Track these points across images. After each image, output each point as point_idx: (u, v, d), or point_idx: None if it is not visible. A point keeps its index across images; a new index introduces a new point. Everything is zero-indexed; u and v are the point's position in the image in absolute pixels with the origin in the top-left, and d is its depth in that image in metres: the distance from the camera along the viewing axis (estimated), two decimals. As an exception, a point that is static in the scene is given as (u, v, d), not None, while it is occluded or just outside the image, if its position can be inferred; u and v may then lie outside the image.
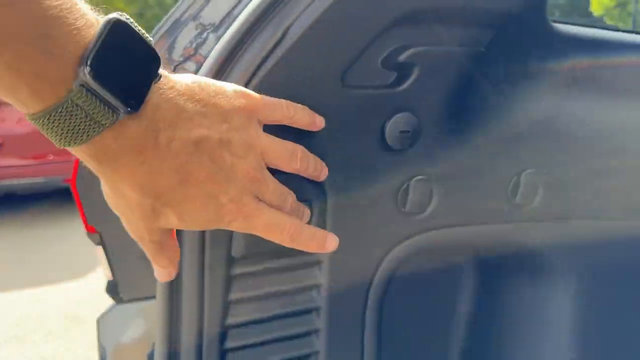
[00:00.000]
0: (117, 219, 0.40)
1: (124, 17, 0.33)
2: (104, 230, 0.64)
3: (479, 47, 0.53)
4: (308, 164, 0.45)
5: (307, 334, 0.54)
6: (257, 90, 0.44)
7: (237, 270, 0.50)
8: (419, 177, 0.54)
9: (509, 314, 0.71)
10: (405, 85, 0.51)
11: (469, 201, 0.57)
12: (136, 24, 0.34)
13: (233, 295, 0.50)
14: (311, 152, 0.47)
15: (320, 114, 0.47)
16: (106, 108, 0.32)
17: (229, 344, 0.51)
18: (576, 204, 0.64)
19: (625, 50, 0.68)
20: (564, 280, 0.66)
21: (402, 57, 0.50)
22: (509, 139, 0.58)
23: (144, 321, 0.70)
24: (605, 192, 0.66)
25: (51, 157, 3.49)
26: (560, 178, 0.61)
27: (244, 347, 0.52)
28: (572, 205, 0.63)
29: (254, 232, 0.41)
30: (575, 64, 0.64)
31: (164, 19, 0.64)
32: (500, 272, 0.70)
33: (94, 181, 0.39)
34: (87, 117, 0.32)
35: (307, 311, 0.54)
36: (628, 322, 0.72)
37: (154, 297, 0.50)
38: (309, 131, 0.47)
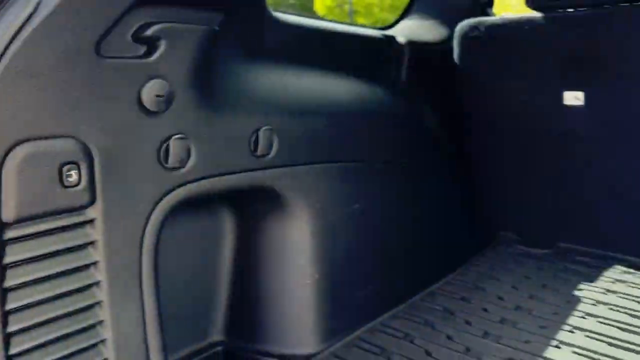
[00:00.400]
0: None
1: None
2: None
3: (212, 26, 0.65)
4: None
5: (88, 286, 0.58)
6: (11, 62, 0.47)
7: (10, 234, 0.52)
8: (178, 135, 0.63)
9: (263, 248, 0.86)
10: (155, 56, 0.59)
11: (221, 155, 0.69)
12: None
13: (8, 259, 0.52)
14: (68, 119, 0.50)
15: (77, 82, 0.53)
16: None
17: (10, 306, 0.52)
18: (305, 152, 0.82)
19: (332, 37, 0.90)
20: (302, 215, 0.84)
21: (149, 32, 0.58)
22: (246, 102, 0.72)
23: None
24: (331, 142, 0.86)
25: None
26: (290, 133, 0.78)
27: (27, 306, 0.53)
28: (301, 153, 0.81)
29: None
30: (290, 44, 0.81)
31: None
32: (253, 213, 0.84)
33: None
34: None
35: (86, 266, 0.58)
36: (355, 244, 0.94)
37: None
38: (64, 94, 0.51)
